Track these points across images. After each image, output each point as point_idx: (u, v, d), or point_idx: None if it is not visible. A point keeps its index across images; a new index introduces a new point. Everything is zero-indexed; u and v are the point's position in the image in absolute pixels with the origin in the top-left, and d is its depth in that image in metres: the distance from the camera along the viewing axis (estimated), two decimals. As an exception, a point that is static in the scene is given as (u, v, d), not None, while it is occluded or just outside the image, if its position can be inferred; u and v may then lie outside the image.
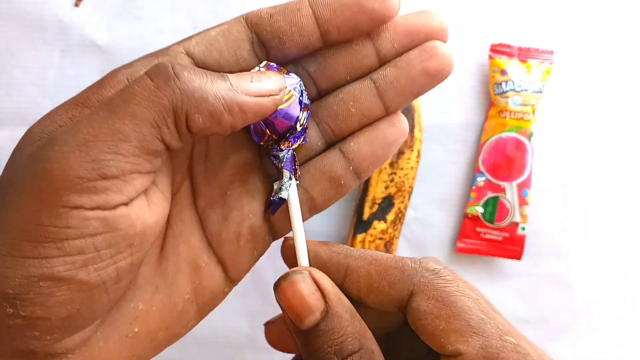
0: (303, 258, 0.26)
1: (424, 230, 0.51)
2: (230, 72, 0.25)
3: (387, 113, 0.27)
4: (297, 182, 0.27)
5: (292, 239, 0.27)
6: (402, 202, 0.49)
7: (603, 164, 0.52)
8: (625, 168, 0.52)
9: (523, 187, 0.50)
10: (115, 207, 0.21)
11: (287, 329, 0.25)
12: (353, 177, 0.28)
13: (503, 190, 0.50)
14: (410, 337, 0.25)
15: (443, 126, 0.52)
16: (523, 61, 0.51)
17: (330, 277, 0.25)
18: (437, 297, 0.23)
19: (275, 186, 0.26)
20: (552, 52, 0.51)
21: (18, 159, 0.22)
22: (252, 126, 0.26)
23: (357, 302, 0.25)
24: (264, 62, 0.26)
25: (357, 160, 0.28)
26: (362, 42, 0.26)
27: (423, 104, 0.51)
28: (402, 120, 0.28)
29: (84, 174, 0.20)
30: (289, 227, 0.28)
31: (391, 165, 0.48)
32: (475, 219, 0.50)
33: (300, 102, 0.26)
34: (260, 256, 0.29)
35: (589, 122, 0.52)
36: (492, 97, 0.51)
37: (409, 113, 0.49)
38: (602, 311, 0.51)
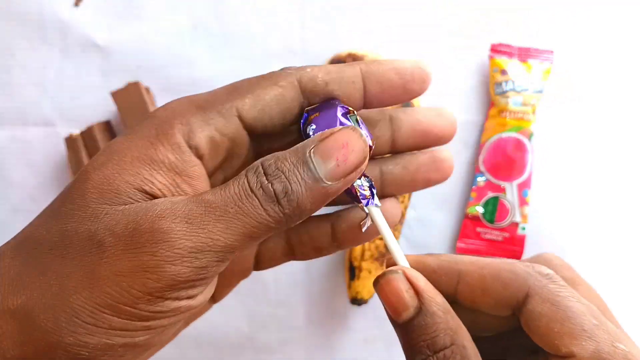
0: (401, 260, 0.27)
1: (424, 230, 0.51)
2: (273, 132, 0.26)
3: (383, 197, 0.30)
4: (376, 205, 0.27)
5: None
6: (402, 202, 0.49)
7: (603, 163, 0.52)
8: (626, 168, 0.52)
9: (523, 187, 0.50)
10: (196, 296, 0.23)
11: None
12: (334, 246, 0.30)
13: (503, 190, 0.50)
14: (520, 338, 0.27)
15: (443, 126, 0.52)
16: (523, 61, 0.51)
17: (441, 284, 0.26)
18: (552, 300, 0.24)
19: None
20: (552, 52, 0.51)
21: (103, 216, 0.22)
22: None
23: (466, 307, 0.27)
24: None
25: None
26: (383, 124, 0.29)
27: (423, 104, 0.51)
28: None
29: (189, 276, 0.22)
30: (272, 263, 0.31)
31: (391, 165, 0.48)
32: (475, 219, 0.50)
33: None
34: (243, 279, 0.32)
35: (589, 122, 0.52)
36: (492, 97, 0.51)
37: (409, 113, 0.49)
38: (602, 311, 0.51)
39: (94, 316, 0.21)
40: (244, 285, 0.52)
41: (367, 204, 0.26)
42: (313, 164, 0.23)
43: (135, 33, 0.51)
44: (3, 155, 0.51)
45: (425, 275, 0.26)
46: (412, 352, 0.24)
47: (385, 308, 0.25)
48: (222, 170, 0.27)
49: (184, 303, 0.23)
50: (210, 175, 0.26)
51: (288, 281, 0.52)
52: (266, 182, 0.22)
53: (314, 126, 0.25)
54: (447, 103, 0.52)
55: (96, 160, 0.23)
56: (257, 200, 0.22)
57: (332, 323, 0.52)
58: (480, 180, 0.50)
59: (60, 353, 0.21)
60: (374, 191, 0.27)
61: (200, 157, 0.24)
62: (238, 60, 0.52)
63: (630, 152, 0.52)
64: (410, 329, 0.24)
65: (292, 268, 0.51)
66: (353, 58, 0.49)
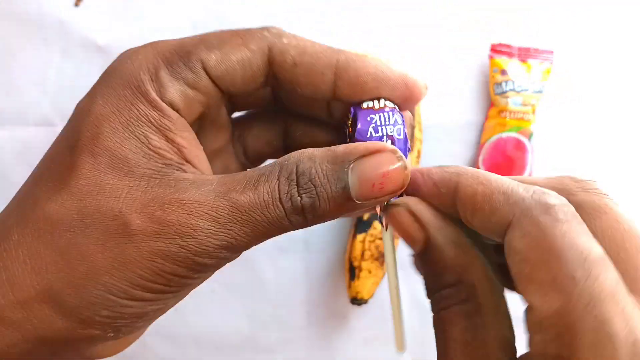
0: (392, 278, 0.25)
1: (424, 230, 0.51)
2: (236, 94, 0.25)
3: None
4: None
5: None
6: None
7: (603, 163, 0.52)
8: (626, 168, 0.52)
9: (523, 187, 0.50)
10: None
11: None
12: None
13: (503, 190, 0.50)
14: None
15: (443, 126, 0.52)
16: (523, 61, 0.51)
17: (440, 198, 0.23)
18: (535, 236, 0.19)
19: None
20: (552, 52, 0.51)
21: (125, 195, 0.22)
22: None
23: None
24: (383, 102, 0.25)
25: None
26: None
27: (423, 104, 0.51)
28: None
29: (213, 264, 0.22)
30: None
31: (391, 165, 0.48)
32: (475, 219, 0.50)
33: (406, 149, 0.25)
34: None
35: (589, 122, 0.52)
36: (492, 97, 0.51)
37: (409, 113, 0.49)
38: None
39: (128, 293, 0.21)
40: (244, 285, 0.52)
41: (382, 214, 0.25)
42: (348, 182, 0.22)
43: (135, 33, 0.51)
44: (3, 155, 0.51)
45: (427, 189, 0.24)
46: (425, 286, 0.23)
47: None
48: (199, 121, 0.26)
49: (206, 277, 0.24)
50: (191, 126, 0.25)
51: (288, 281, 0.52)
52: (296, 195, 0.22)
53: (359, 125, 0.24)
54: (447, 103, 0.52)
55: (87, 130, 0.23)
56: (284, 211, 0.22)
57: (332, 323, 0.52)
58: (480, 180, 0.50)
59: (96, 326, 0.22)
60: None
61: (176, 111, 0.24)
62: (238, 60, 0.52)
63: (630, 151, 0.52)
64: (422, 261, 0.23)
65: (292, 268, 0.51)
66: (353, 58, 0.49)
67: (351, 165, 0.22)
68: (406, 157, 0.24)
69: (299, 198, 0.22)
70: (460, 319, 0.21)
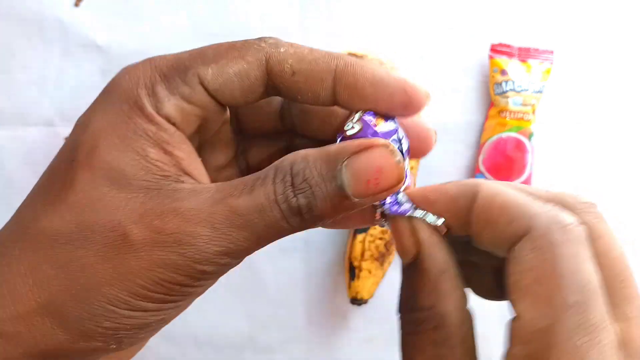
0: None
1: (424, 230, 0.51)
2: (236, 106, 0.25)
3: None
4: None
5: None
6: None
7: (603, 163, 0.52)
8: (626, 168, 0.52)
9: (523, 187, 0.50)
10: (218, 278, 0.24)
11: None
12: None
13: (503, 190, 0.50)
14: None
15: (443, 126, 0.52)
16: (523, 61, 0.51)
17: (456, 211, 0.23)
18: (545, 252, 0.20)
19: None
20: (552, 52, 0.51)
21: (123, 206, 0.22)
22: None
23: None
24: (359, 114, 0.24)
25: None
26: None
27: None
28: None
29: (214, 271, 0.22)
30: None
31: (391, 165, 0.48)
32: (475, 219, 0.50)
33: (402, 151, 0.25)
34: None
35: (589, 122, 0.52)
36: (492, 97, 0.51)
37: (409, 113, 0.49)
38: (602, 311, 0.51)
39: (129, 304, 0.22)
40: (244, 285, 0.52)
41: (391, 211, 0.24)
42: (342, 180, 0.22)
43: (135, 33, 0.51)
44: (3, 155, 0.51)
45: (443, 204, 0.23)
46: (399, 298, 0.23)
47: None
48: (200, 135, 0.26)
49: (208, 285, 0.24)
50: (189, 140, 0.25)
51: (288, 281, 0.52)
52: (292, 196, 0.22)
53: (352, 127, 0.24)
54: (447, 103, 0.52)
55: (85, 144, 0.23)
56: (281, 213, 0.22)
57: (332, 323, 0.52)
58: (480, 180, 0.50)
59: (98, 337, 0.22)
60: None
61: (172, 124, 0.24)
62: (238, 60, 0.52)
63: (630, 152, 0.52)
64: (405, 274, 0.23)
65: (292, 268, 0.51)
66: (353, 58, 0.49)
67: (345, 163, 0.22)
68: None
69: (294, 199, 0.22)
70: (428, 346, 0.21)
